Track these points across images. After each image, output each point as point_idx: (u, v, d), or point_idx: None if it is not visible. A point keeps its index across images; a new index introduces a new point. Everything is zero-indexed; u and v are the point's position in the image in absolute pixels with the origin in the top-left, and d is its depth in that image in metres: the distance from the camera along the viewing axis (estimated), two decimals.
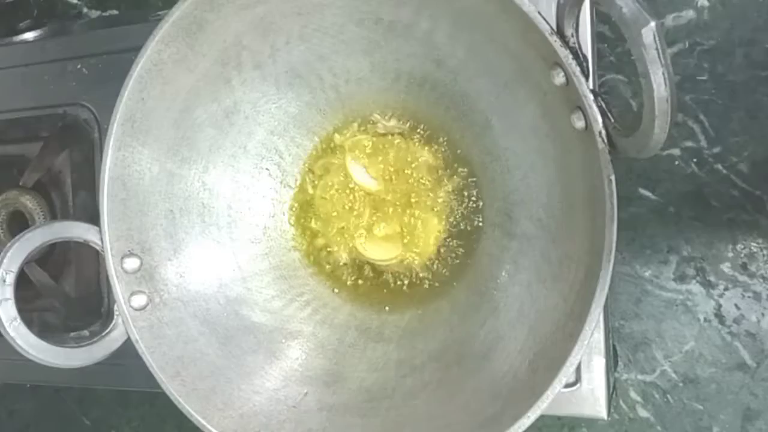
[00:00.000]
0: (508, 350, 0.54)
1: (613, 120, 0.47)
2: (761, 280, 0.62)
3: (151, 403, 0.80)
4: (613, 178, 0.46)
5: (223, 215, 0.64)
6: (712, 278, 0.63)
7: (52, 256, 0.75)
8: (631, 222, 0.64)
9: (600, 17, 0.64)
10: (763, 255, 0.62)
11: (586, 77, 0.47)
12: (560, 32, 0.47)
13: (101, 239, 0.56)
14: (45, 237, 0.56)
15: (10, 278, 0.54)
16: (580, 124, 0.48)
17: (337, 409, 0.58)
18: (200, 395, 0.56)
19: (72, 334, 0.73)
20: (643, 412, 0.65)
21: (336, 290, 0.66)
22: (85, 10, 0.85)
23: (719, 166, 0.62)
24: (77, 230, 0.57)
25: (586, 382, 0.58)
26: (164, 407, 0.79)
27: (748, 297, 0.62)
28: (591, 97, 0.47)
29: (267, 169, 0.66)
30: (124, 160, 0.57)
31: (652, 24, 0.40)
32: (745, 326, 0.62)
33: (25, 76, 0.78)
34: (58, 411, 0.85)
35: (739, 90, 0.62)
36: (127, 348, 0.64)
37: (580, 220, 0.51)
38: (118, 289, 0.56)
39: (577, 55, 0.47)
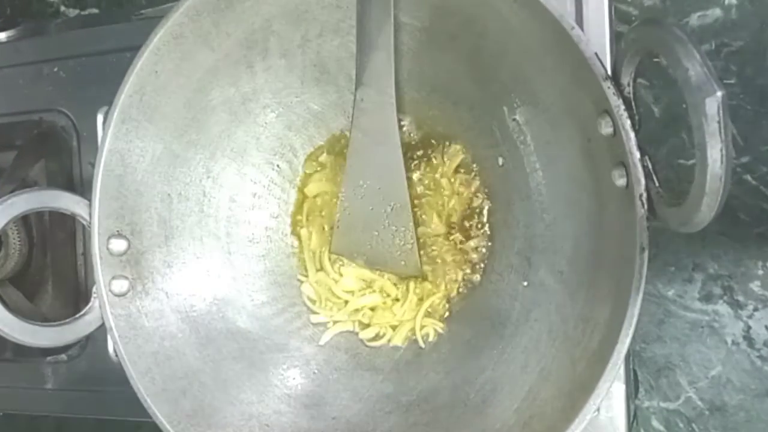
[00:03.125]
0: (503, 405, 0.53)
1: (657, 183, 0.45)
2: None
3: None
4: (647, 247, 0.45)
5: (224, 207, 0.62)
6: (740, 298, 0.61)
7: (28, 275, 0.75)
8: (653, 237, 0.62)
9: (619, 16, 0.62)
10: None
11: (636, 132, 0.45)
12: (616, 78, 0.46)
13: (90, 214, 0.55)
14: (31, 204, 0.54)
15: None
16: (621, 181, 0.47)
17: None
18: (170, 396, 0.55)
19: (49, 358, 0.72)
20: None
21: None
22: (62, 8, 0.83)
23: (748, 177, 0.60)
24: (66, 201, 0.55)
25: (604, 410, 0.56)
26: None
27: None
28: (637, 154, 0.45)
29: (278, 165, 0.64)
30: (128, 133, 0.55)
31: (719, 94, 0.38)
32: None
33: None
34: None
35: None
36: (107, 375, 0.66)
37: (603, 282, 0.49)
38: (100, 270, 0.55)
39: (630, 106, 0.45)
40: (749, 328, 0.61)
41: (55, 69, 0.73)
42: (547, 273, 0.55)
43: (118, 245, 0.56)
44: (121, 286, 0.55)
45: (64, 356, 0.71)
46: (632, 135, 0.45)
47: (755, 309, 0.60)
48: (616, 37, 0.58)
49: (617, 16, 0.61)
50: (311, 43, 0.58)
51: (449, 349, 0.60)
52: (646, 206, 0.45)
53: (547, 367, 0.52)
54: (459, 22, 0.54)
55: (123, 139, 0.55)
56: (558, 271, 0.54)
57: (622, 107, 0.45)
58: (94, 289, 0.55)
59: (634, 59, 0.45)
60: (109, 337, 0.55)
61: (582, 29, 0.55)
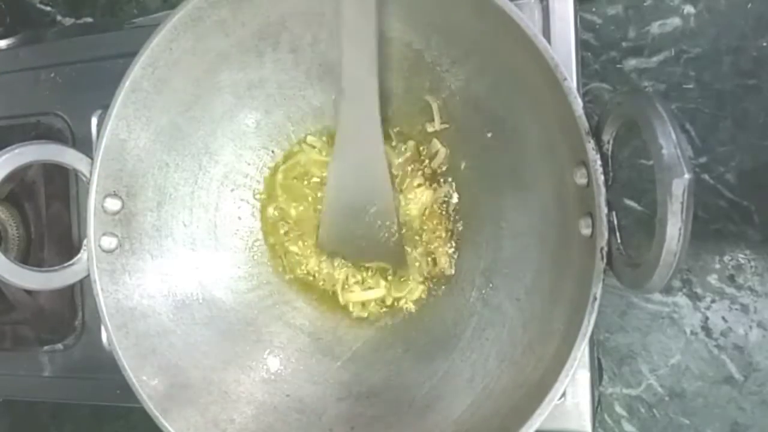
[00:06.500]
0: (444, 414, 0.52)
1: (619, 240, 0.45)
2: (749, 292, 0.60)
3: (126, 418, 0.78)
4: (598, 296, 0.44)
5: (216, 182, 0.61)
6: (698, 290, 0.61)
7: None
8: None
9: (584, 25, 0.62)
10: (751, 267, 0.60)
11: (608, 188, 0.44)
12: (597, 134, 0.44)
13: (90, 172, 0.54)
14: (36, 155, 0.54)
15: None
16: (586, 231, 0.46)
17: (265, 409, 0.56)
18: (139, 352, 0.54)
19: (46, 347, 0.72)
20: (628, 427, 0.63)
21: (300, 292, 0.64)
22: (59, 17, 0.81)
23: (706, 177, 0.60)
24: (70, 157, 0.54)
25: (570, 397, 0.56)
26: (139, 422, 0.78)
27: (736, 309, 0.60)
28: (605, 209, 0.44)
29: (273, 151, 0.63)
30: (136, 102, 0.54)
31: (687, 177, 0.37)
32: (732, 339, 0.60)
33: None
34: (32, 426, 0.83)
35: (726, 98, 0.60)
36: (101, 363, 0.66)
37: (556, 318, 0.48)
38: (92, 225, 0.54)
39: (607, 162, 0.45)
40: (707, 318, 0.60)
41: (52, 74, 0.72)
42: (506, 298, 0.54)
43: (113, 204, 0.55)
44: (110, 242, 0.55)
45: (60, 345, 0.71)
46: (603, 190, 0.44)
47: (712, 301, 0.60)
48: (581, 45, 0.58)
49: (582, 24, 0.62)
50: (320, 44, 0.57)
51: (404, 350, 0.59)
52: (605, 260, 0.44)
53: (490, 386, 0.51)
54: (460, 51, 0.53)
55: (131, 107, 0.54)
56: (516, 298, 0.53)
57: (599, 162, 0.44)
58: (84, 242, 0.54)
59: (617, 121, 0.44)
60: (102, 328, 0.55)
61: (549, 37, 0.55)
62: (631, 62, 0.61)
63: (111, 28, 0.74)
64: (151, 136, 0.56)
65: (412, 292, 0.61)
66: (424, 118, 0.59)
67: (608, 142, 0.45)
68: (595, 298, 0.44)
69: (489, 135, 0.55)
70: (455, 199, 0.60)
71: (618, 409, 0.63)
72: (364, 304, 0.62)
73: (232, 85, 0.58)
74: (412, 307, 0.61)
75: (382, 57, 0.54)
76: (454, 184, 0.60)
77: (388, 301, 0.62)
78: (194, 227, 0.60)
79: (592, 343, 0.58)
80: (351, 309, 0.62)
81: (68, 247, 0.70)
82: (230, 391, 0.56)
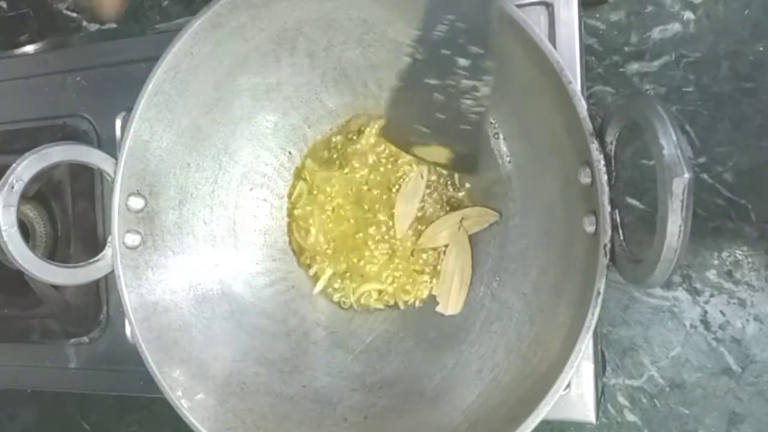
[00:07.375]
0: (454, 404, 0.54)
1: (622, 237, 0.46)
2: (746, 287, 0.61)
3: (148, 408, 0.80)
4: (602, 291, 0.45)
5: (236, 181, 0.63)
6: (698, 285, 0.62)
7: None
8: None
9: (588, 30, 0.63)
10: (748, 262, 0.61)
11: (611, 187, 0.45)
12: (601, 136, 0.45)
13: (115, 171, 0.55)
14: (62, 156, 0.55)
15: (19, 186, 0.53)
16: (590, 228, 0.47)
17: (282, 399, 0.57)
18: (162, 345, 0.55)
19: (72, 340, 0.73)
20: (630, 417, 0.64)
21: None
22: (84, 23, 0.83)
23: (705, 176, 0.61)
24: (94, 157, 0.56)
25: (575, 387, 0.56)
26: (161, 412, 0.79)
27: (733, 303, 0.61)
28: (608, 207, 0.45)
29: (290, 152, 0.64)
30: (158, 105, 0.55)
31: (687, 176, 0.38)
32: (730, 332, 0.61)
33: (26, 88, 0.76)
34: (58, 416, 0.84)
35: (724, 101, 0.61)
36: (125, 356, 0.67)
37: (561, 312, 0.50)
38: (116, 222, 0.55)
39: (610, 162, 0.45)
40: (706, 312, 0.61)
41: (78, 78, 0.73)
42: (512, 293, 0.55)
43: (136, 203, 0.56)
44: (133, 239, 0.56)
45: (86, 338, 0.72)
46: (606, 189, 0.45)
47: (711, 295, 0.61)
48: (585, 49, 0.58)
49: (586, 30, 0.62)
50: (335, 48, 0.58)
51: (415, 342, 0.60)
52: (608, 256, 0.45)
53: (498, 377, 0.52)
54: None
55: (154, 109, 0.55)
56: (522, 293, 0.54)
57: (602, 163, 0.45)
58: (108, 239, 0.55)
59: (620, 122, 0.45)
60: (126, 322, 0.56)
61: (554, 42, 0.55)
62: (633, 66, 0.62)
63: (134, 34, 0.75)
64: (173, 137, 0.57)
65: (422, 291, 0.62)
66: None
67: (611, 143, 0.46)
68: (598, 293, 0.45)
69: (497, 136, 0.56)
70: (464, 197, 0.61)
71: (621, 399, 0.64)
72: (373, 295, 0.63)
73: (251, 88, 0.59)
74: (421, 302, 0.62)
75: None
76: (463, 183, 0.61)
77: (398, 299, 0.63)
78: (214, 225, 0.62)
79: (596, 336, 0.59)
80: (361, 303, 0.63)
81: (93, 243, 0.71)
82: (249, 383, 0.58)
